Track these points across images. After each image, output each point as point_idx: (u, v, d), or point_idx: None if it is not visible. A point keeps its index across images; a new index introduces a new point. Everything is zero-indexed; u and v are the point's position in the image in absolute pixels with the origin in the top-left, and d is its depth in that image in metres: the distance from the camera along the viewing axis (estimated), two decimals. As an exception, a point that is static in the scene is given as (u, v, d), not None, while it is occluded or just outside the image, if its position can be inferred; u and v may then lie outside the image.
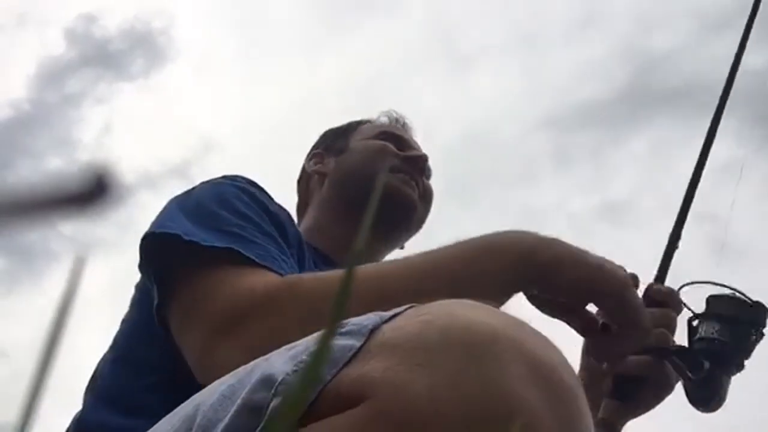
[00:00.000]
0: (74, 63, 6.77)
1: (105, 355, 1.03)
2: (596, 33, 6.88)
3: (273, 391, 0.56)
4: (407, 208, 1.22)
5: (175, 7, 7.20)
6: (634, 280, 0.92)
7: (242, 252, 0.87)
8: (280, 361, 0.60)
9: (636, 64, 6.49)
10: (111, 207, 0.16)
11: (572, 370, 0.58)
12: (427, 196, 1.27)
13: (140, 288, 1.02)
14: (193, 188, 1.01)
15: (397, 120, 1.37)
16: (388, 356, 0.54)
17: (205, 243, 0.87)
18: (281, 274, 0.87)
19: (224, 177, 1.03)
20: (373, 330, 0.57)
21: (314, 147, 1.38)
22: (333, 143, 1.33)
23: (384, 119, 1.37)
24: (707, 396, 0.97)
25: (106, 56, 6.76)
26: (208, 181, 1.02)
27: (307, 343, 0.60)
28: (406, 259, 0.89)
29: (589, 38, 6.90)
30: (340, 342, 0.57)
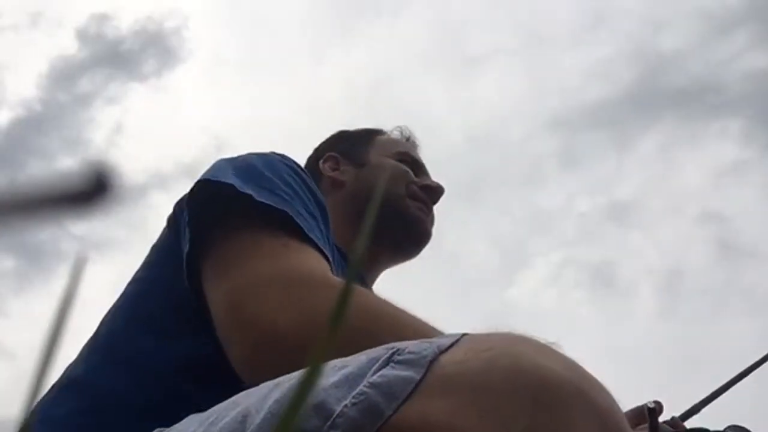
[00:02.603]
0: (86, 63, 6.79)
1: (113, 313, 1.00)
2: (603, 34, 6.86)
3: (330, 422, 0.54)
4: (425, 240, 1.29)
5: (187, 8, 7.22)
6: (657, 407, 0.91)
7: (294, 219, 0.86)
8: (331, 384, 0.56)
9: (643, 64, 6.47)
10: (112, 205, 0.16)
11: (626, 421, 0.57)
12: (433, 224, 1.32)
13: (161, 246, 1.01)
14: (240, 155, 1.00)
15: (408, 138, 1.40)
16: (454, 396, 0.53)
17: (258, 198, 0.86)
18: (327, 258, 0.87)
19: (273, 152, 1.02)
20: (432, 361, 0.55)
21: (327, 147, 1.38)
22: (350, 150, 1.34)
23: (397, 133, 1.40)
24: None
25: (119, 56, 6.79)
26: (255, 153, 1.01)
27: (360, 364, 0.58)
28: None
29: (596, 39, 6.88)
30: (398, 372, 0.55)
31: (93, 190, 0.16)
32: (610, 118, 6.38)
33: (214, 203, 0.89)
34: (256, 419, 0.58)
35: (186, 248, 0.88)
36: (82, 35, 6.93)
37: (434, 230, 1.32)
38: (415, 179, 1.29)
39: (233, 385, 0.74)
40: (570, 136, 6.64)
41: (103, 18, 6.90)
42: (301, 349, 0.70)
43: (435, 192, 1.30)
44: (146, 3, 7.39)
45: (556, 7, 6.67)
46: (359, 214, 1.22)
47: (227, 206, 0.88)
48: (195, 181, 0.92)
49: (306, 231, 0.87)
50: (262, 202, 0.86)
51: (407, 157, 1.33)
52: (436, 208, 1.33)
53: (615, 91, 6.50)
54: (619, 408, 0.56)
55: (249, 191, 0.87)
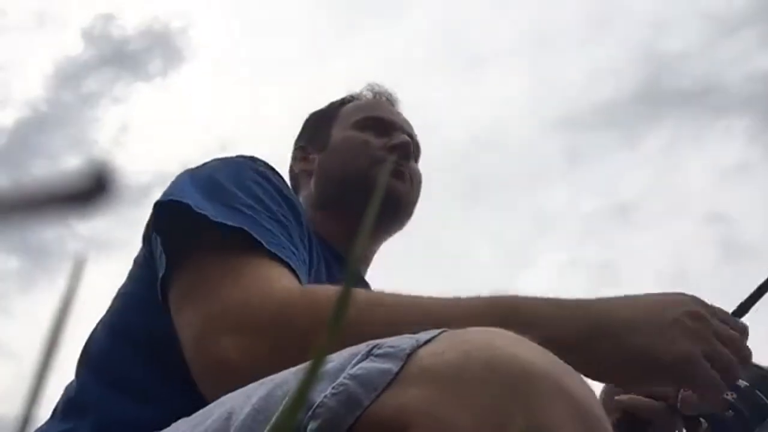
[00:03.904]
0: (92, 63, 6.81)
1: (100, 329, 0.99)
2: (608, 34, 6.86)
3: (310, 413, 0.55)
4: (397, 203, 1.18)
5: (192, 8, 7.23)
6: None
7: (253, 235, 0.83)
8: None
9: (648, 65, 6.46)
10: (112, 204, 0.16)
11: (602, 408, 0.58)
12: (415, 181, 1.22)
13: (140, 262, 0.99)
14: (207, 162, 0.98)
15: (380, 94, 1.31)
16: (430, 386, 0.54)
17: (214, 219, 0.83)
18: (291, 267, 0.84)
19: (240, 156, 0.99)
20: (410, 354, 0.56)
21: (298, 138, 1.33)
22: (315, 135, 1.28)
23: (368, 93, 1.32)
24: None
25: (124, 56, 6.80)
26: (223, 158, 0.98)
27: (342, 359, 0.59)
28: (436, 301, 0.81)
29: (601, 39, 6.88)
30: (377, 365, 0.56)
31: (93, 189, 0.16)
32: (615, 118, 6.38)
33: (172, 225, 0.88)
34: (241, 416, 0.59)
35: (161, 272, 0.87)
36: (88, 35, 6.94)
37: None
38: (378, 142, 1.20)
39: None
40: (574, 136, 6.63)
41: (108, 18, 6.92)
42: (254, 371, 0.68)
43: (402, 148, 1.19)
44: (152, 3, 7.41)
45: (561, 8, 6.67)
46: (329, 201, 1.18)
47: (186, 227, 0.86)
48: (154, 202, 0.89)
49: (268, 246, 0.84)
50: (217, 222, 0.84)
51: (369, 121, 1.23)
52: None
53: (620, 92, 6.49)
54: (594, 396, 0.57)
55: (204, 211, 0.84)
